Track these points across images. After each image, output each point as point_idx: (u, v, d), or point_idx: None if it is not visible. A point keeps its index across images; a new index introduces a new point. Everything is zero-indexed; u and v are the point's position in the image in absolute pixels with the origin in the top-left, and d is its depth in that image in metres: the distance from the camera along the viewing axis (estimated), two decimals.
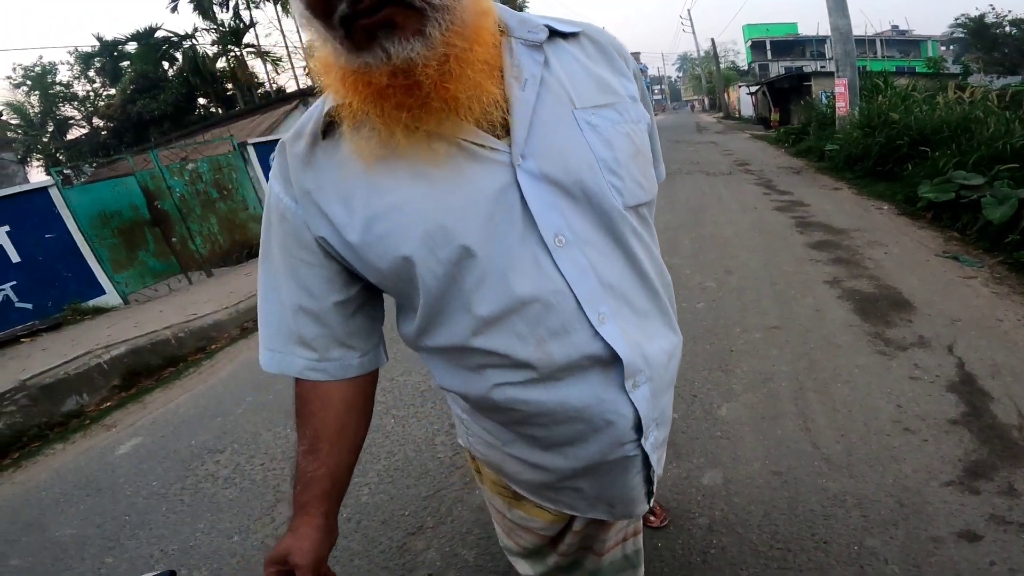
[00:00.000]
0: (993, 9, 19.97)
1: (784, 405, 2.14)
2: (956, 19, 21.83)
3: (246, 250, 6.62)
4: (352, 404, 0.72)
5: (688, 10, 42.13)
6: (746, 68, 45.30)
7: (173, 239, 5.88)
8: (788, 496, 1.68)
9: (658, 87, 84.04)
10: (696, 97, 62.20)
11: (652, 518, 1.63)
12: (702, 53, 48.29)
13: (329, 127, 0.61)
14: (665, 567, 1.52)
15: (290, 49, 20.79)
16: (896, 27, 42.40)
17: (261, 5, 20.28)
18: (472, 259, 0.59)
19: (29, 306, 4.70)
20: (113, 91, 21.84)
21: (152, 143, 13.60)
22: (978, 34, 20.30)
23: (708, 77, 49.05)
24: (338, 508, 0.71)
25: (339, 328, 0.69)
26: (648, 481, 0.79)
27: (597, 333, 0.63)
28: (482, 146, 0.57)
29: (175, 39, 20.96)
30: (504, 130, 0.58)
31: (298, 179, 0.63)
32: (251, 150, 6.94)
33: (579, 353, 0.63)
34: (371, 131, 0.58)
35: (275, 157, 0.67)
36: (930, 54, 28.46)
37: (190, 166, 6.20)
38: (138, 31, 20.73)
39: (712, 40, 41.55)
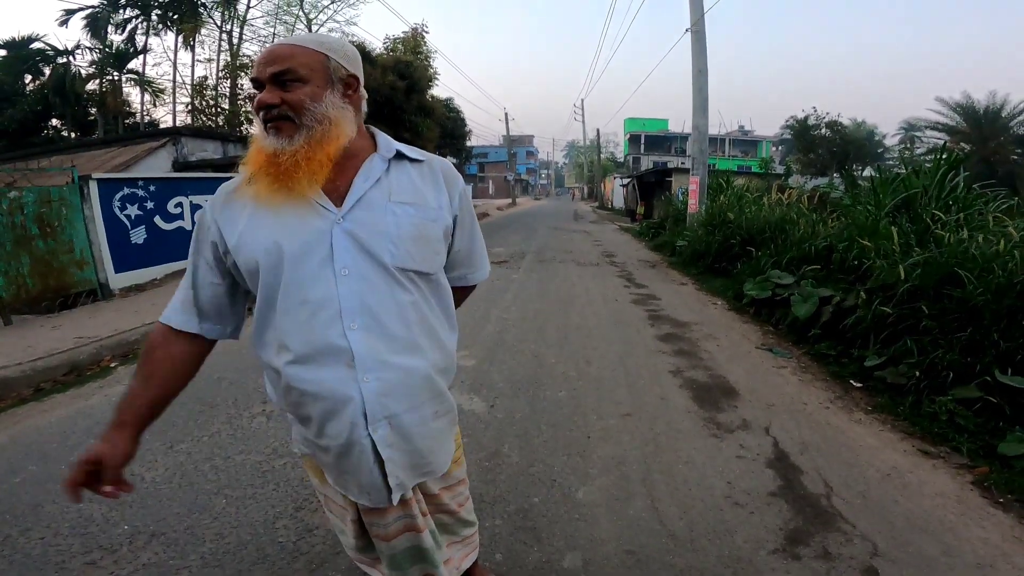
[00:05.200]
0: (815, 111, 21.64)
1: (635, 487, 2.24)
2: (786, 120, 23.29)
3: (60, 298, 5.59)
4: (186, 358, 1.06)
5: (582, 100, 46.31)
6: (622, 160, 49.86)
7: None
8: (642, 574, 1.73)
9: (545, 171, 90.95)
10: (577, 184, 67.45)
11: None
12: (588, 142, 51.42)
13: (249, 181, 1.00)
14: None
15: (178, 82, 19.22)
16: (742, 127, 47.36)
17: (162, 33, 18.79)
18: (284, 261, 0.95)
19: None
20: None
21: None
22: (800, 135, 22.17)
23: (589, 166, 53.46)
24: (143, 432, 1.02)
25: (206, 301, 1.05)
26: (384, 475, 1.04)
27: (345, 335, 0.96)
28: (323, 207, 0.97)
29: (50, 53, 18.53)
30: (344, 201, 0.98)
31: (220, 208, 1.02)
32: (93, 186, 6.06)
33: (329, 342, 0.96)
34: (255, 185, 0.98)
35: (214, 196, 1.05)
36: (764, 154, 30.73)
37: (12, 194, 5.27)
38: (13, 39, 18.26)
39: (597, 130, 45.50)
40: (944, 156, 4.84)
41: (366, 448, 1.00)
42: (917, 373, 3.00)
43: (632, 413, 2.99)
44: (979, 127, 16.26)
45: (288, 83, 0.92)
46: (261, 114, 0.94)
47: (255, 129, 0.99)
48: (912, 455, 2.49)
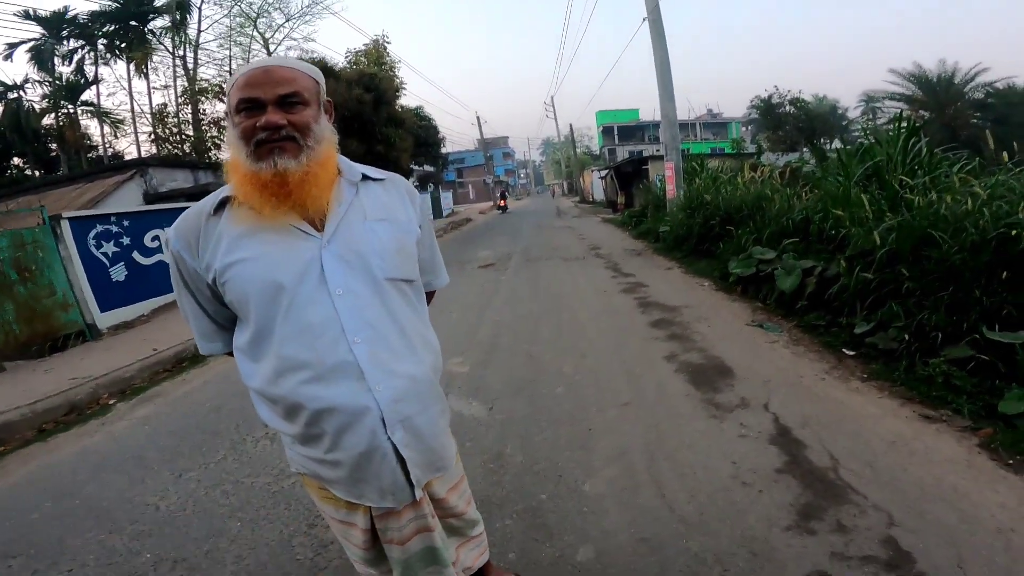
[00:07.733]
0: (777, 90, 21.92)
1: (640, 475, 2.26)
2: (751, 101, 23.56)
3: (49, 342, 5.52)
4: None
5: (552, 97, 46.47)
6: (598, 153, 50.14)
7: None
8: (656, 561, 1.74)
9: (523, 171, 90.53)
10: (557, 181, 67.47)
11: None
12: (562, 138, 51.27)
13: (218, 208, 1.02)
14: None
15: (136, 112, 18.92)
16: (710, 110, 48.11)
17: (111, 62, 18.50)
18: (284, 293, 0.98)
19: None
20: None
21: None
22: (766, 114, 22.46)
23: (567, 161, 53.67)
24: None
25: (211, 327, 1.13)
26: (407, 473, 1.10)
27: (351, 350, 1.00)
28: (307, 233, 1.01)
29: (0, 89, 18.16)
30: (323, 226, 1.02)
31: (198, 243, 1.02)
32: (65, 225, 5.97)
33: (339, 359, 1.00)
34: (248, 209, 0.99)
35: (176, 227, 1.05)
36: (734, 135, 31.35)
37: None
38: None
39: (570, 125, 45.75)
40: (904, 125, 4.92)
41: (388, 451, 1.06)
42: (906, 336, 3.05)
43: (631, 402, 3.01)
44: (935, 94, 16.63)
45: (293, 105, 0.96)
46: (262, 135, 0.94)
47: (234, 154, 0.98)
48: (914, 421, 2.48)
